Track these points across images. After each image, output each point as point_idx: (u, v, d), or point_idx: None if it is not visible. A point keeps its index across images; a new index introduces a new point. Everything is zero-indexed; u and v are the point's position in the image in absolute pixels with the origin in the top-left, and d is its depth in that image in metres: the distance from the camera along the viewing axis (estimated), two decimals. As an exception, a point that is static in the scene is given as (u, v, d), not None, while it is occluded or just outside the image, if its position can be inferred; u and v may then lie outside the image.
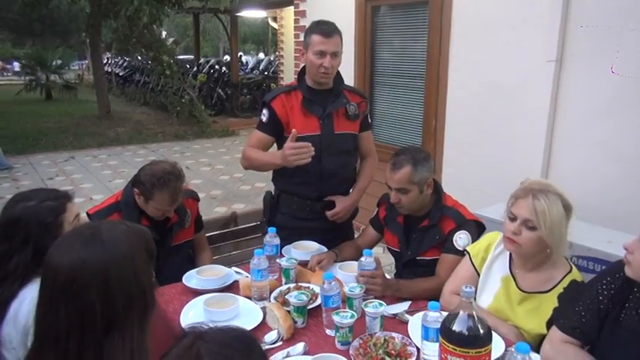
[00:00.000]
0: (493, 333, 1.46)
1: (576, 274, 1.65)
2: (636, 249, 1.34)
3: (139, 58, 14.74)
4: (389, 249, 2.26)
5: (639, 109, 2.65)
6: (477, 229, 2.00)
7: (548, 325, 1.60)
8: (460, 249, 1.95)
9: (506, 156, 3.23)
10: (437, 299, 1.82)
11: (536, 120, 3.08)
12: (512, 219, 1.62)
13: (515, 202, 1.63)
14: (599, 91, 2.82)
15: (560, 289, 1.62)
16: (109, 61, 18.36)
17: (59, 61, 15.87)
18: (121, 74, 17.26)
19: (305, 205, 2.38)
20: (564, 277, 1.63)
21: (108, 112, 11.54)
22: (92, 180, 6.68)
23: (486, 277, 1.78)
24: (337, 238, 2.36)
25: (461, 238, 1.97)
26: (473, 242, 1.92)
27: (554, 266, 1.65)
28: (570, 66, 2.94)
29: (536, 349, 1.59)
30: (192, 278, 2.02)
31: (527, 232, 1.58)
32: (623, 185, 2.71)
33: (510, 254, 1.74)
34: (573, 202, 2.94)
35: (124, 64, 17.57)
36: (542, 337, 1.61)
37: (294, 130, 2.13)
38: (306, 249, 2.27)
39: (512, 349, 1.24)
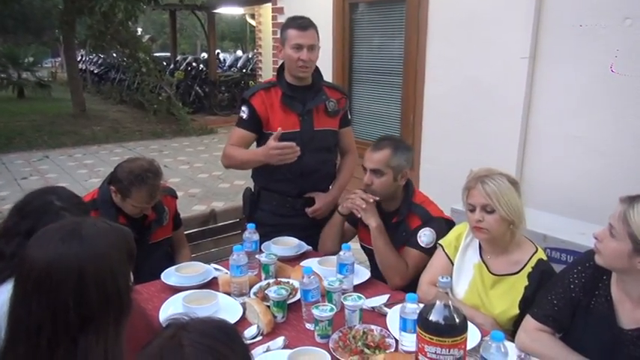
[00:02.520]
0: (469, 323, 1.51)
1: (541, 254, 1.75)
2: (605, 237, 1.38)
3: (115, 55, 14.49)
4: (363, 247, 2.27)
5: (610, 104, 2.73)
6: (446, 225, 2.02)
7: (521, 304, 1.68)
8: (423, 245, 1.97)
9: (483, 151, 3.28)
10: (393, 274, 1.94)
11: (512, 115, 3.14)
12: (472, 210, 1.71)
13: (468, 193, 1.73)
14: (572, 87, 2.89)
15: (528, 268, 1.70)
16: (84, 59, 17.99)
17: (32, 59, 15.49)
18: (96, 72, 16.95)
19: (285, 202, 2.39)
20: (531, 258, 1.72)
21: (83, 110, 11.32)
22: (68, 179, 6.55)
23: (460, 266, 1.84)
24: (317, 234, 2.36)
25: (425, 235, 1.98)
26: (440, 239, 1.95)
27: (520, 248, 1.75)
28: (544, 63, 3.01)
29: (511, 333, 1.65)
30: (171, 275, 2.01)
31: (489, 217, 1.67)
32: (596, 178, 2.79)
33: (480, 243, 1.81)
34: (548, 195, 3.02)
35: (99, 62, 17.25)
36: (516, 320, 1.68)
37: (279, 128, 2.13)
38: (286, 245, 2.27)
39: (488, 338, 1.28)
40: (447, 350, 1.19)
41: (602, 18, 2.70)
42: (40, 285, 0.96)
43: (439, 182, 3.30)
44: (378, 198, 2.04)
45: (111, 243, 1.03)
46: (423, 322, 1.22)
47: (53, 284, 0.95)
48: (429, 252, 1.96)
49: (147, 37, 21.47)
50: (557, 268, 1.74)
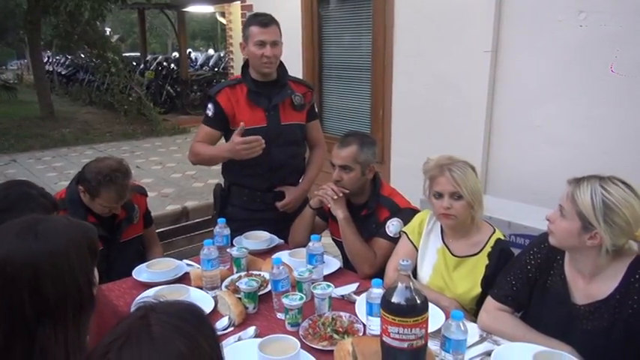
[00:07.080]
0: (434, 306, 1.57)
1: (499, 234, 1.83)
2: (556, 218, 1.46)
3: (83, 55, 14.23)
4: (334, 239, 2.31)
5: (569, 95, 2.84)
6: (413, 215, 2.06)
7: (483, 283, 1.76)
8: (391, 235, 2.03)
9: (451, 143, 3.35)
10: (361, 263, 2.00)
11: (476, 108, 3.23)
12: (439, 197, 1.76)
13: (433, 181, 1.78)
14: (532, 79, 2.99)
15: (488, 248, 1.79)
16: (51, 60, 17.58)
17: (-5, 61, 15.09)
18: (63, 73, 16.56)
19: (255, 197, 2.41)
20: (490, 238, 1.81)
21: (51, 112, 11.07)
22: (37, 183, 6.36)
23: (424, 251, 1.90)
24: (288, 228, 2.39)
25: (393, 225, 2.04)
26: None
27: (480, 230, 1.83)
28: (505, 56, 3.10)
29: (475, 313, 1.72)
30: (142, 272, 2.02)
31: (457, 203, 1.74)
32: (556, 166, 2.89)
33: (441, 228, 1.89)
34: (512, 184, 3.11)
35: (67, 63, 16.88)
36: (479, 299, 1.76)
37: (242, 123, 2.15)
38: (257, 239, 2.30)
39: (449, 319, 1.34)
40: (410, 330, 1.24)
41: (558, 11, 2.81)
42: None
43: (409, 175, 3.34)
44: (348, 191, 2.09)
45: (69, 239, 1.03)
46: (385, 304, 1.26)
47: (8, 279, 0.96)
48: (397, 241, 2.01)
49: (116, 36, 21.12)
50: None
